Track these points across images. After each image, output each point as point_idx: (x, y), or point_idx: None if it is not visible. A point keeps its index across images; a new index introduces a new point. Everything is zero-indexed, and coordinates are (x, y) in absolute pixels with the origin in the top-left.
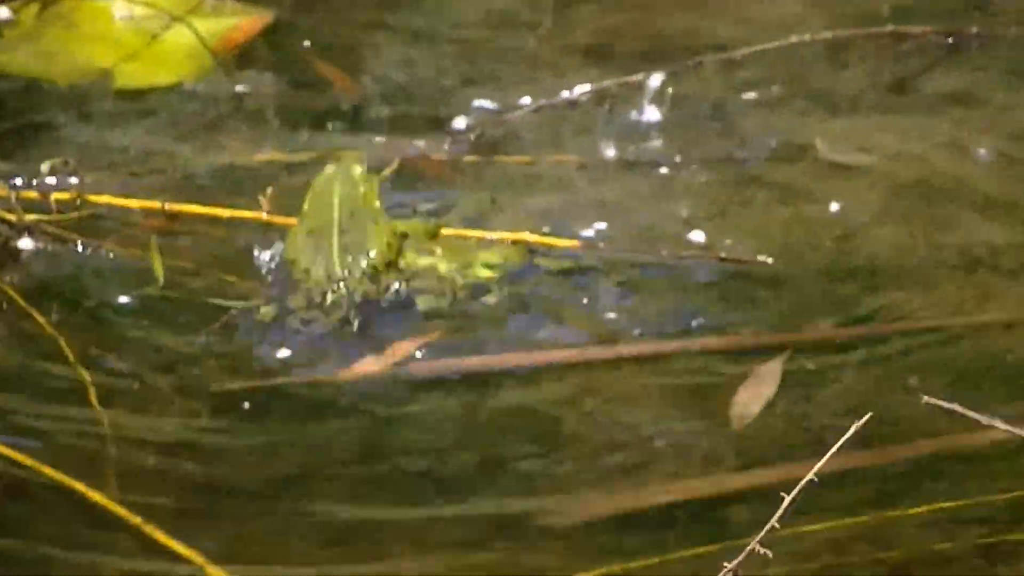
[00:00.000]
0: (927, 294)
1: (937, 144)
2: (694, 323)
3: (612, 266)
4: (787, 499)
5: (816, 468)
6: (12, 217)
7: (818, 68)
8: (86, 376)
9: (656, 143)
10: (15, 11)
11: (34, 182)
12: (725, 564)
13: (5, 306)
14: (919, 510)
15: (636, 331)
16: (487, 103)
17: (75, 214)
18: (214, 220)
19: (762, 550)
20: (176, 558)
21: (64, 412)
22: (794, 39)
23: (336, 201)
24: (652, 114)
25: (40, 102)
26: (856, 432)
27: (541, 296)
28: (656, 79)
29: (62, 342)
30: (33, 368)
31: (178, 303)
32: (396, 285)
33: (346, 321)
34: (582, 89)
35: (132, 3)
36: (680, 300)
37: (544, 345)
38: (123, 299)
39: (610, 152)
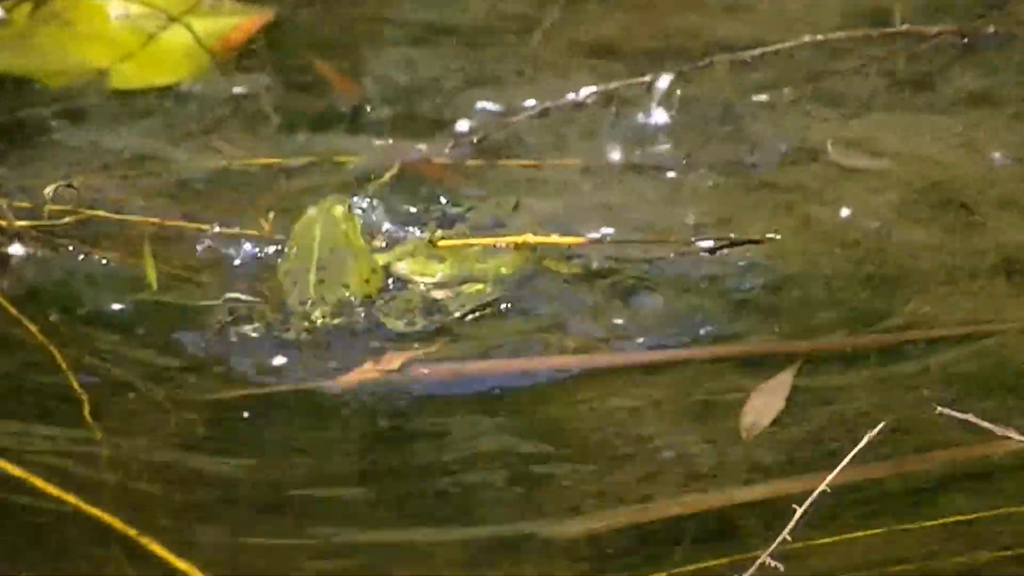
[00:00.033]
0: (941, 302)
1: (952, 146)
2: (703, 331)
3: (619, 271)
4: (799, 511)
5: (828, 480)
6: (2, 223)
7: (830, 69)
8: (78, 387)
9: (664, 146)
10: (7, 9)
11: (32, 198)
12: None
13: None
14: (934, 523)
15: (643, 339)
16: (490, 105)
17: (68, 219)
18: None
19: (773, 563)
20: (172, 573)
21: (55, 423)
22: (806, 39)
23: (316, 243)
24: (660, 116)
25: (33, 103)
26: (869, 443)
27: (546, 302)
28: (664, 80)
29: (53, 350)
30: (23, 377)
31: (172, 310)
32: (366, 313)
33: (320, 346)
34: (588, 91)
35: (129, 1)
36: (689, 307)
37: (549, 352)
38: (116, 306)
39: (616, 156)
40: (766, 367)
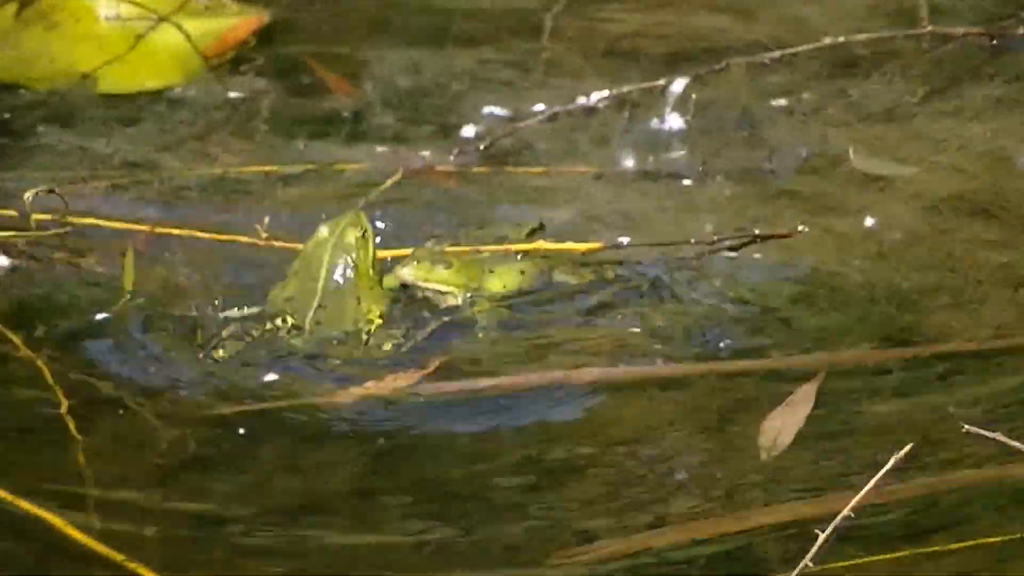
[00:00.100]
0: (967, 315)
1: (977, 154)
2: (722, 344)
3: (633, 281)
4: (821, 537)
5: (852, 504)
6: None
7: (852, 72)
8: (64, 402)
9: (679, 153)
10: None
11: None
12: None
13: None
14: (961, 544)
15: (659, 352)
16: (498, 110)
17: (55, 231)
18: (203, 237)
19: None
20: None
21: (40, 440)
22: (826, 41)
23: (323, 271)
24: (675, 122)
25: (18, 108)
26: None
27: (555, 314)
28: (679, 84)
29: (40, 363)
30: (8, 394)
31: (162, 320)
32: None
33: (317, 362)
34: (600, 95)
35: (119, 1)
36: (707, 321)
37: (561, 365)
38: (101, 316)
39: (629, 163)
40: (787, 382)
